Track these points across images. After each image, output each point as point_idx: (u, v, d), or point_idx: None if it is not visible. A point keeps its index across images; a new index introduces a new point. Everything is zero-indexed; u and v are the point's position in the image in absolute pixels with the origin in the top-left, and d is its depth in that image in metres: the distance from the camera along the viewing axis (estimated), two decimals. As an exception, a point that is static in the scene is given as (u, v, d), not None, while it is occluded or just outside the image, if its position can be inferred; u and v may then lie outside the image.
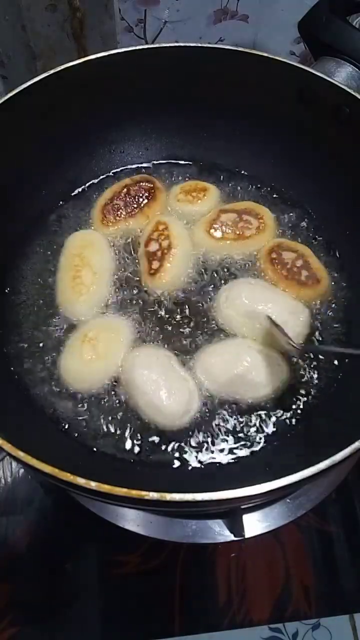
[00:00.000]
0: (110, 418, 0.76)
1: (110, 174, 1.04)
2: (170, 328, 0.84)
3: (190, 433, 0.75)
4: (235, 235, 0.91)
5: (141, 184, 0.96)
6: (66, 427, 0.76)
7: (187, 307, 0.86)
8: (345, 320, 0.86)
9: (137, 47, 0.91)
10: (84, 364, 0.77)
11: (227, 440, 0.75)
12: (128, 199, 0.94)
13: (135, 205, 0.94)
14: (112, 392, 0.78)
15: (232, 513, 0.84)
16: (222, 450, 0.75)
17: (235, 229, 0.92)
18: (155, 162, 1.06)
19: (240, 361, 0.77)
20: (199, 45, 0.92)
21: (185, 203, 0.96)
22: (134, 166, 1.05)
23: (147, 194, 0.95)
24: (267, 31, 1.43)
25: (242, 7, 1.37)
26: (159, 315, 0.85)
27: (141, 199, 0.95)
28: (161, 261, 0.86)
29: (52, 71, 0.86)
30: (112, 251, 0.91)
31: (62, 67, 0.86)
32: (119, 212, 0.93)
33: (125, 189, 0.95)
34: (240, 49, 0.91)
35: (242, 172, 1.04)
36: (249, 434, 0.76)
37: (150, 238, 0.89)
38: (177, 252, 0.87)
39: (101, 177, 1.04)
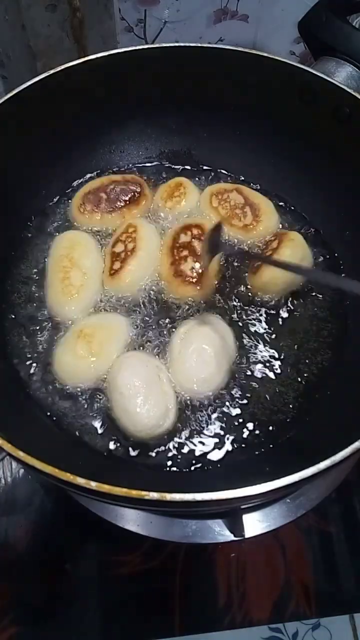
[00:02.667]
0: (110, 417, 0.76)
1: (110, 173, 1.04)
2: (159, 330, 0.83)
3: (189, 432, 0.75)
4: (225, 214, 0.92)
5: (129, 184, 0.95)
6: (66, 426, 0.76)
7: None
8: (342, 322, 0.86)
9: (137, 47, 0.91)
10: (78, 359, 0.77)
11: (227, 440, 0.75)
12: (111, 195, 0.93)
13: (117, 203, 0.93)
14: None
15: (232, 513, 0.84)
16: (222, 450, 0.75)
17: (230, 210, 0.93)
18: (154, 161, 1.06)
19: (204, 352, 0.77)
20: (199, 45, 0.92)
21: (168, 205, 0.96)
22: (133, 166, 1.05)
23: (131, 196, 0.94)
24: (267, 31, 1.43)
25: (242, 7, 1.37)
26: (149, 316, 0.85)
27: (124, 198, 0.93)
28: (123, 263, 0.85)
29: (52, 71, 0.86)
30: (101, 251, 0.91)
31: (62, 67, 0.86)
32: (98, 205, 0.92)
33: (112, 184, 0.94)
34: (240, 49, 0.91)
35: (243, 171, 1.04)
36: (249, 433, 0.76)
37: (118, 239, 0.89)
38: (141, 255, 0.85)
39: (101, 176, 1.04)
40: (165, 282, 0.86)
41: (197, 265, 0.85)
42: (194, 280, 0.84)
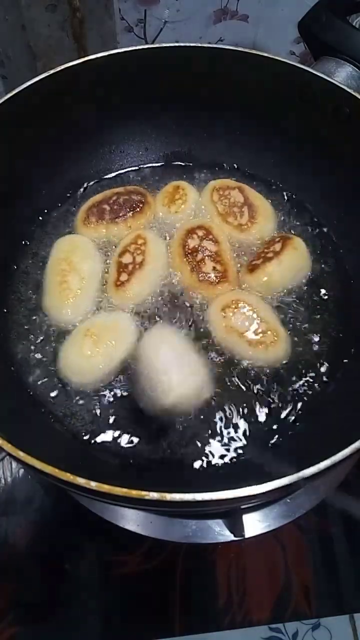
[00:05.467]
0: (110, 418, 0.76)
1: (110, 174, 1.05)
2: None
3: (190, 433, 0.75)
4: (223, 211, 0.93)
5: (132, 195, 0.95)
6: (66, 426, 0.76)
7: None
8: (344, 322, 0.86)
9: (137, 47, 0.91)
10: (84, 359, 0.77)
11: (227, 439, 0.75)
12: (115, 207, 0.93)
13: (121, 214, 0.93)
14: (113, 392, 0.78)
15: (232, 513, 0.84)
16: (222, 450, 0.75)
17: (228, 207, 0.93)
18: (155, 162, 1.06)
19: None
20: (199, 45, 0.92)
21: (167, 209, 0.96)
22: (134, 166, 1.06)
23: (134, 206, 0.94)
24: (267, 31, 1.43)
25: (242, 7, 1.37)
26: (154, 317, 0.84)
27: (128, 209, 0.93)
28: (130, 275, 0.85)
29: (52, 71, 0.86)
30: (101, 256, 0.90)
31: (62, 67, 0.86)
32: (102, 216, 0.92)
33: (115, 196, 0.95)
34: (240, 49, 0.91)
35: (243, 171, 1.04)
36: (249, 433, 0.76)
37: (126, 249, 0.88)
38: (148, 269, 0.85)
39: (101, 177, 1.04)
40: (192, 289, 0.86)
41: (217, 263, 0.86)
42: (220, 277, 0.85)
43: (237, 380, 0.79)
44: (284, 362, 0.81)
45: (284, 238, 0.90)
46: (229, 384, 0.79)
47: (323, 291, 0.89)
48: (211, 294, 0.85)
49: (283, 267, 0.86)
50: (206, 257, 0.86)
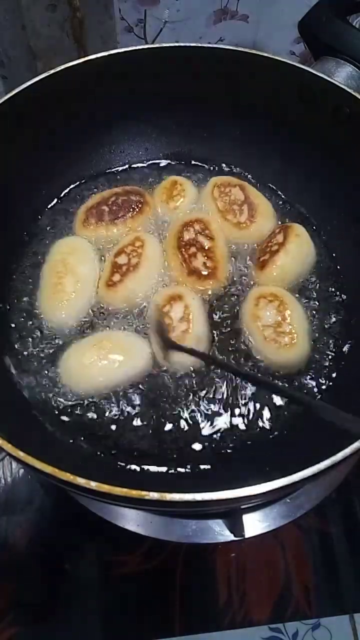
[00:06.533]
0: (110, 419, 0.76)
1: (110, 174, 1.04)
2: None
3: (189, 431, 0.75)
4: (223, 208, 0.93)
5: (131, 195, 0.95)
6: (66, 426, 0.76)
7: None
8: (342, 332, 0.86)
9: (137, 47, 0.91)
10: (82, 367, 0.76)
11: (227, 439, 0.75)
12: (114, 207, 0.93)
13: (120, 215, 0.92)
14: (114, 394, 0.78)
15: (232, 513, 0.84)
16: (222, 449, 0.74)
17: (228, 205, 0.93)
18: (155, 162, 1.06)
19: None
20: (199, 45, 0.92)
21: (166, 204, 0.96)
22: (134, 166, 1.06)
23: (133, 206, 0.93)
24: (267, 31, 1.43)
25: (242, 7, 1.37)
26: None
27: (127, 210, 0.93)
28: (123, 276, 0.84)
29: (52, 71, 0.86)
30: (98, 259, 0.90)
31: (62, 67, 0.86)
32: (101, 217, 0.92)
33: (114, 197, 0.94)
34: (240, 49, 0.91)
35: (243, 171, 1.04)
36: (249, 433, 0.76)
37: (122, 250, 0.88)
38: (142, 272, 0.85)
39: (101, 177, 1.04)
40: (181, 282, 0.85)
41: (208, 259, 0.86)
42: (209, 273, 0.85)
43: (236, 378, 0.79)
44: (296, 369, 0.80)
45: (284, 227, 0.90)
46: (233, 377, 0.79)
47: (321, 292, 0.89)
48: (196, 289, 0.85)
49: (291, 257, 0.86)
50: (198, 252, 0.86)
